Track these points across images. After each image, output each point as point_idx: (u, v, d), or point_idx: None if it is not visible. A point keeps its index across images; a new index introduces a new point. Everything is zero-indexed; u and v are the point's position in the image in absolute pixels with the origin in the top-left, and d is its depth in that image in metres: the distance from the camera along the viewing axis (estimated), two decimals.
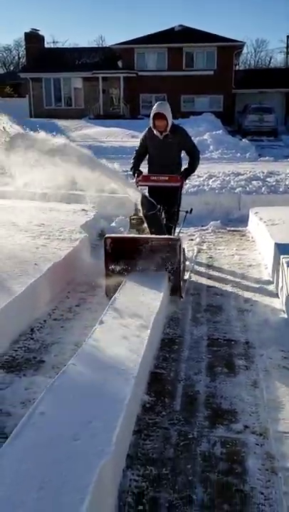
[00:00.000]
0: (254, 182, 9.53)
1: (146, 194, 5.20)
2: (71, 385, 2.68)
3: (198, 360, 3.54)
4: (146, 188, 5.33)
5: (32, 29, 33.77)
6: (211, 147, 17.81)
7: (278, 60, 61.20)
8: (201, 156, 5.58)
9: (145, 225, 5.13)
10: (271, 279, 5.17)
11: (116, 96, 31.20)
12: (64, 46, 45.88)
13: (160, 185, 5.17)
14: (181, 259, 4.69)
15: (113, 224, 7.33)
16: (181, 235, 5.61)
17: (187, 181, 6.26)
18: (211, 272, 5.57)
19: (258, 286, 5.06)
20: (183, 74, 29.68)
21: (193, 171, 5.44)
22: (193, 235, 7.12)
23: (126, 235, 5.38)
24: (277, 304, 4.56)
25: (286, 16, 75.69)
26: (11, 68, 54.56)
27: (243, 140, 20.07)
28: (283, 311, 4.36)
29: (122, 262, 4.56)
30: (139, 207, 5.17)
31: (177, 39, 29.61)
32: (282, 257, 4.69)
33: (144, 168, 5.46)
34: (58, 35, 73.12)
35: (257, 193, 9.00)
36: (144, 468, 2.42)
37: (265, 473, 2.40)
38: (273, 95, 29.72)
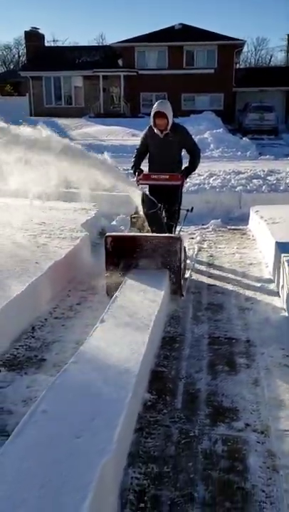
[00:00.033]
0: (255, 180, 9.53)
1: (147, 193, 5.20)
2: (72, 384, 2.68)
3: (199, 358, 3.54)
4: (147, 186, 5.33)
5: (32, 27, 33.76)
6: (212, 146, 17.81)
7: (279, 58, 61.14)
8: (201, 154, 5.59)
9: (146, 223, 5.13)
10: (272, 278, 5.17)
11: (116, 94, 31.18)
12: (64, 45, 45.86)
13: (161, 184, 5.18)
14: (182, 258, 4.70)
15: (114, 222, 7.34)
16: (181, 233, 5.61)
17: (188, 180, 6.26)
18: (212, 271, 5.57)
19: (258, 284, 5.06)
20: (183, 72, 29.66)
21: (194, 170, 5.44)
22: (194, 234, 7.12)
23: (127, 234, 5.38)
24: (278, 302, 4.56)
25: (286, 15, 75.62)
26: (11, 67, 54.50)
27: (244, 138, 20.07)
28: (284, 310, 4.36)
29: (123, 261, 4.56)
30: (140, 205, 5.17)
31: (178, 37, 29.58)
32: (283, 255, 4.69)
33: (144, 166, 5.47)
34: (58, 34, 73.16)
35: (257, 191, 9.01)
36: (145, 466, 2.43)
37: (266, 471, 2.41)
38: (274, 94, 29.71)
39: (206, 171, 10.28)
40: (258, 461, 2.47)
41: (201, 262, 5.90)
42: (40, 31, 34.22)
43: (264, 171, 10.38)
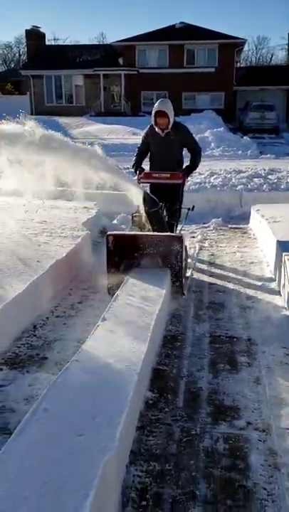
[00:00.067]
0: (255, 179, 9.53)
1: (148, 191, 5.20)
2: (74, 382, 2.69)
3: (200, 356, 3.55)
4: (148, 185, 5.33)
5: (33, 26, 33.73)
6: (212, 144, 17.81)
7: (279, 57, 60.93)
8: (202, 153, 5.58)
9: (147, 222, 5.13)
10: (273, 277, 5.18)
11: (117, 93, 31.17)
12: (65, 43, 45.76)
13: (162, 183, 5.18)
14: (183, 257, 4.70)
15: (115, 221, 7.34)
16: (182, 232, 5.62)
17: (189, 178, 6.26)
18: (213, 270, 5.57)
19: (259, 283, 5.06)
20: (184, 71, 29.64)
21: (195, 168, 5.45)
22: (195, 233, 7.12)
23: (128, 233, 5.39)
24: (279, 301, 4.57)
25: (286, 15, 75.50)
26: (12, 65, 54.47)
27: (245, 137, 20.06)
28: (285, 309, 4.37)
29: (124, 260, 4.56)
30: (140, 204, 5.18)
31: (178, 36, 29.55)
32: (284, 254, 4.69)
33: (145, 165, 5.47)
34: (59, 33, 72.82)
35: (258, 190, 9.01)
36: (147, 464, 2.43)
37: (267, 469, 2.41)
38: (275, 92, 29.68)
39: (207, 169, 10.28)
40: (259, 459, 2.47)
41: (202, 261, 5.90)
42: (41, 30, 34.22)
43: (265, 170, 10.38)
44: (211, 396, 3.04)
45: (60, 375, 2.74)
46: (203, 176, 9.75)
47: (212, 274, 5.40)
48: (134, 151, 5.61)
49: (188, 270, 5.22)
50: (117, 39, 31.57)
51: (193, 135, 5.57)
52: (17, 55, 58.51)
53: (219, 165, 11.81)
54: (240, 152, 16.67)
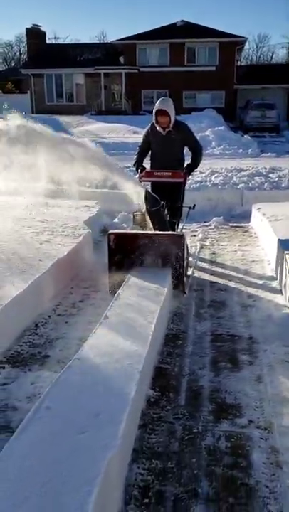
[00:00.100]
0: (256, 178, 9.53)
1: (149, 190, 5.21)
2: (77, 380, 2.69)
3: (202, 355, 3.56)
4: (149, 183, 5.34)
5: (33, 25, 33.69)
6: (213, 143, 17.78)
7: (280, 55, 60.94)
8: (203, 151, 5.58)
9: (149, 220, 5.14)
10: (274, 275, 5.18)
11: (118, 92, 31.15)
12: (65, 42, 45.71)
13: (163, 181, 5.18)
14: (185, 255, 4.70)
15: (116, 220, 7.35)
16: (184, 231, 5.62)
17: (190, 177, 6.27)
18: (214, 268, 5.58)
19: (261, 282, 5.07)
20: (185, 70, 29.60)
21: (196, 167, 5.45)
22: (196, 231, 7.12)
23: (129, 231, 5.39)
24: (281, 299, 4.57)
25: (286, 15, 75.40)
26: (13, 64, 54.42)
27: (245, 136, 20.03)
28: (286, 307, 4.37)
29: (126, 258, 4.56)
30: (142, 202, 5.18)
31: (179, 34, 29.51)
32: (285, 252, 4.70)
33: (146, 164, 5.47)
34: (60, 31, 73.03)
35: (259, 188, 9.00)
36: (149, 462, 2.44)
37: (269, 466, 2.42)
38: (275, 91, 29.62)
39: (208, 168, 10.27)
40: (261, 457, 2.48)
41: (203, 260, 5.90)
42: (41, 28, 34.16)
43: (266, 169, 10.37)
44: (213, 394, 3.05)
45: (63, 373, 2.74)
46: (204, 175, 9.75)
47: (213, 273, 5.40)
48: (134, 150, 5.61)
49: (189, 269, 5.22)
50: (118, 37, 31.59)
51: (194, 134, 5.57)
52: (17, 53, 58.49)
53: (220, 163, 11.80)
54: (240, 151, 16.65)
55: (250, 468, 2.41)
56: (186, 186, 5.58)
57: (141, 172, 5.29)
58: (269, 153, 15.64)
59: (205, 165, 9.51)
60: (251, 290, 4.87)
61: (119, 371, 2.78)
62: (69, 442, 2.16)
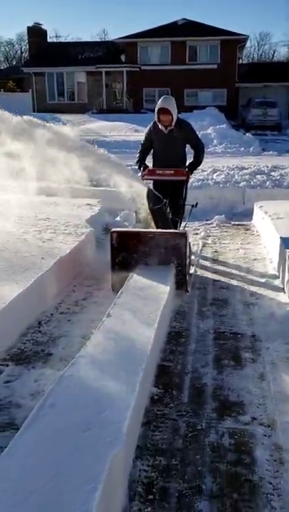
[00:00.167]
0: (258, 176, 9.53)
1: (152, 188, 5.21)
2: (80, 377, 2.70)
3: (205, 353, 3.56)
4: (152, 182, 5.34)
5: (35, 23, 33.69)
6: (215, 141, 17.76)
7: (282, 53, 60.96)
8: (205, 149, 5.59)
9: (151, 219, 5.14)
10: (276, 273, 5.18)
11: (119, 90, 31.15)
12: (67, 40, 45.71)
13: (166, 179, 5.18)
14: (187, 253, 4.71)
15: (118, 218, 7.34)
16: (186, 229, 5.62)
17: (192, 175, 6.26)
18: (216, 266, 5.58)
19: (263, 280, 5.07)
20: (186, 68, 29.59)
21: (199, 165, 5.45)
22: (198, 229, 7.12)
23: (132, 229, 5.40)
24: (283, 297, 4.57)
25: (287, 15, 75.12)
26: (14, 63, 54.49)
27: (247, 134, 20.00)
28: None
29: (128, 256, 4.57)
30: (145, 201, 5.19)
31: (180, 33, 29.50)
32: (287, 251, 4.70)
33: (149, 162, 5.47)
34: (61, 30, 73.08)
35: (261, 187, 9.00)
36: (153, 458, 2.45)
37: (273, 463, 2.43)
38: (277, 89, 29.59)
39: (210, 166, 10.28)
40: (264, 454, 2.49)
41: (205, 258, 5.91)
42: (42, 27, 34.16)
43: (268, 167, 10.38)
44: (216, 392, 3.05)
45: (67, 371, 2.76)
46: (206, 173, 9.75)
47: (215, 271, 5.41)
48: (136, 148, 5.61)
49: (191, 267, 5.23)
50: (119, 36, 31.62)
51: (196, 132, 5.57)
52: (19, 52, 58.53)
53: (222, 162, 11.80)
54: (242, 149, 16.63)
55: (253, 464, 2.42)
56: (188, 184, 5.58)
57: (143, 170, 5.30)
58: (271, 152, 15.63)
59: (207, 163, 9.50)
60: (253, 288, 4.87)
61: (123, 369, 2.79)
62: (73, 439, 2.17)
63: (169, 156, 5.24)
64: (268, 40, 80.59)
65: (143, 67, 30.11)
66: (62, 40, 45.09)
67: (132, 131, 20.63)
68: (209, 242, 6.59)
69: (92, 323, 3.82)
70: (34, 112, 27.67)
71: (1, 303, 3.58)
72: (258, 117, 23.89)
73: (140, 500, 2.21)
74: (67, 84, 31.76)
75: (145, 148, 5.45)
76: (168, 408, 2.87)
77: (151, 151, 5.44)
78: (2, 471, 2.00)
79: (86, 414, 2.34)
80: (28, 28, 33.79)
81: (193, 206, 5.52)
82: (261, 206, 7.08)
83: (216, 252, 6.16)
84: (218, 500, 2.21)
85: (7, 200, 7.46)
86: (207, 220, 7.57)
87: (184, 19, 31.13)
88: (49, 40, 36.55)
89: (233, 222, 7.62)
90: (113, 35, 74.25)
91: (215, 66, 29.62)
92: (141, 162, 5.38)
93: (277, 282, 4.97)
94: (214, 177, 9.51)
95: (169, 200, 5.12)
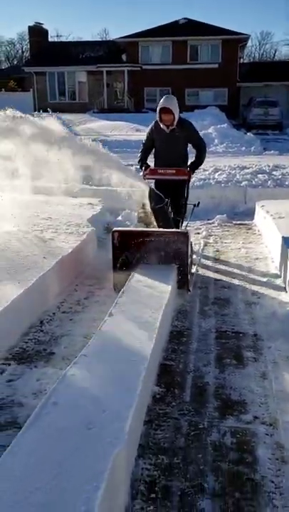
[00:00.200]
0: (260, 175, 9.52)
1: (153, 187, 5.21)
2: (83, 376, 2.71)
3: (206, 352, 3.57)
4: (153, 181, 5.34)
5: (36, 23, 33.71)
6: (216, 141, 17.77)
7: (283, 52, 60.98)
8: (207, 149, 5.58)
9: (153, 218, 5.15)
10: (278, 273, 5.18)
11: (120, 90, 31.15)
12: (68, 40, 45.73)
13: (168, 179, 5.18)
14: (189, 253, 4.71)
15: (119, 218, 7.35)
16: (188, 228, 5.63)
17: (193, 175, 6.26)
18: (218, 266, 5.58)
19: (265, 279, 5.07)
20: (187, 67, 29.58)
21: (201, 164, 5.45)
22: (200, 229, 7.12)
23: (133, 229, 5.40)
24: (285, 297, 4.58)
25: (287, 15, 75.00)
26: (15, 62, 54.50)
27: (248, 134, 19.99)
28: None
29: (130, 256, 4.57)
30: (147, 200, 5.19)
31: (182, 32, 29.48)
32: None
33: (150, 161, 5.48)
34: (62, 29, 73.11)
35: (263, 186, 8.99)
36: (155, 457, 2.46)
37: (275, 462, 2.44)
38: (278, 88, 29.55)
39: (211, 166, 10.27)
40: (266, 453, 2.50)
41: (207, 257, 5.91)
42: (43, 26, 34.16)
43: (269, 166, 10.37)
44: (218, 391, 3.06)
45: (69, 370, 2.76)
46: (207, 173, 9.74)
47: (217, 270, 5.41)
48: (137, 148, 5.62)
49: (193, 266, 5.23)
50: (120, 35, 31.57)
51: (198, 131, 5.57)
52: (20, 51, 58.56)
53: (223, 161, 11.80)
54: (243, 148, 16.63)
55: (255, 463, 2.43)
56: (190, 184, 5.58)
57: (145, 170, 5.30)
58: (272, 151, 15.62)
59: (208, 163, 9.49)
60: (255, 287, 4.87)
61: (125, 368, 2.79)
62: (75, 438, 2.18)
63: (171, 156, 5.24)
64: (269, 39, 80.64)
65: (144, 67, 30.09)
66: (63, 39, 45.27)
67: (133, 131, 20.64)
68: (211, 241, 6.60)
69: (94, 322, 3.83)
70: (35, 111, 27.65)
71: (3, 302, 3.59)
72: (259, 117, 23.87)
73: (142, 498, 2.21)
74: (68, 83, 31.78)
75: (147, 147, 5.45)
76: (170, 407, 2.87)
77: (153, 150, 5.44)
78: (5, 469, 2.00)
79: (89, 413, 2.35)
80: (29, 27, 33.81)
81: (195, 205, 5.52)
82: (263, 205, 7.08)
83: (217, 251, 6.16)
84: (220, 498, 2.22)
85: (7, 199, 7.47)
86: (209, 220, 7.57)
87: (185, 18, 31.11)
88: (50, 39, 36.57)
89: (234, 222, 7.62)
90: (114, 34, 74.32)
91: (216, 65, 29.60)
92: (142, 161, 5.38)
93: (278, 281, 4.97)
94: (216, 176, 9.51)
95: (170, 199, 5.12)
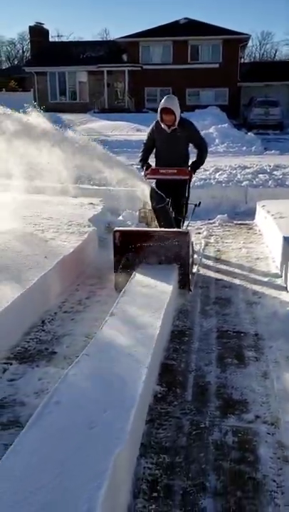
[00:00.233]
0: (261, 175, 9.53)
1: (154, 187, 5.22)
2: (85, 375, 2.72)
3: (208, 351, 3.57)
4: (154, 181, 5.34)
5: (36, 23, 33.74)
6: (217, 141, 17.77)
7: (283, 52, 60.99)
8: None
9: (154, 218, 5.15)
10: (279, 272, 5.18)
11: (121, 89, 31.16)
12: (68, 40, 45.74)
13: (169, 179, 5.19)
14: (190, 253, 4.71)
15: (120, 218, 7.35)
16: (189, 228, 5.63)
17: (194, 174, 6.27)
18: (219, 265, 5.58)
19: (266, 279, 5.07)
20: (188, 67, 29.60)
21: (202, 164, 5.46)
22: (201, 229, 7.13)
23: (135, 228, 5.41)
24: (286, 296, 4.58)
25: (287, 15, 75.00)
26: (16, 62, 54.53)
27: (249, 133, 20.00)
28: None
29: (131, 255, 4.58)
30: (148, 200, 5.20)
31: (182, 32, 29.50)
32: None
33: (151, 161, 5.48)
34: (63, 29, 73.12)
35: (264, 186, 9.00)
36: (157, 456, 2.46)
37: (276, 461, 2.44)
38: (279, 88, 29.57)
39: (212, 165, 10.28)
40: (268, 452, 2.50)
41: (208, 257, 5.91)
42: (44, 26, 34.19)
43: (270, 166, 10.37)
44: (220, 390, 3.06)
45: (71, 369, 2.77)
46: (208, 172, 9.75)
47: (218, 270, 5.41)
48: (138, 148, 5.63)
49: (194, 266, 5.23)
50: (121, 35, 31.62)
51: (199, 131, 5.57)
52: (20, 51, 58.60)
53: (224, 161, 11.80)
54: (244, 148, 16.63)
55: (257, 462, 2.43)
56: (191, 184, 5.58)
57: (146, 170, 5.30)
58: (273, 151, 15.62)
59: (209, 162, 9.48)
60: (256, 287, 4.88)
61: (127, 367, 2.80)
62: (78, 437, 2.18)
63: (172, 156, 5.25)
64: (269, 39, 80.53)
65: (145, 67, 30.11)
66: (63, 39, 45.31)
67: (134, 131, 20.66)
68: (212, 241, 6.60)
69: (96, 321, 3.83)
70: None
71: (4, 302, 3.59)
72: (260, 116, 23.88)
73: (145, 497, 2.22)
74: (69, 83, 31.80)
75: (148, 147, 5.45)
76: (172, 406, 2.88)
77: (154, 150, 5.45)
78: (7, 468, 2.01)
79: (91, 413, 2.36)
80: (30, 27, 33.86)
81: (196, 205, 5.52)
82: (264, 205, 7.09)
83: (218, 251, 6.16)
84: (222, 497, 2.22)
85: (8, 199, 7.47)
86: (210, 220, 7.58)
87: (186, 18, 31.12)
88: (51, 39, 36.62)
89: (235, 222, 7.63)
90: (115, 34, 74.32)
91: (217, 65, 29.62)
92: (144, 161, 5.39)
93: (279, 281, 4.97)
94: (216, 176, 9.52)
95: (171, 199, 5.12)
